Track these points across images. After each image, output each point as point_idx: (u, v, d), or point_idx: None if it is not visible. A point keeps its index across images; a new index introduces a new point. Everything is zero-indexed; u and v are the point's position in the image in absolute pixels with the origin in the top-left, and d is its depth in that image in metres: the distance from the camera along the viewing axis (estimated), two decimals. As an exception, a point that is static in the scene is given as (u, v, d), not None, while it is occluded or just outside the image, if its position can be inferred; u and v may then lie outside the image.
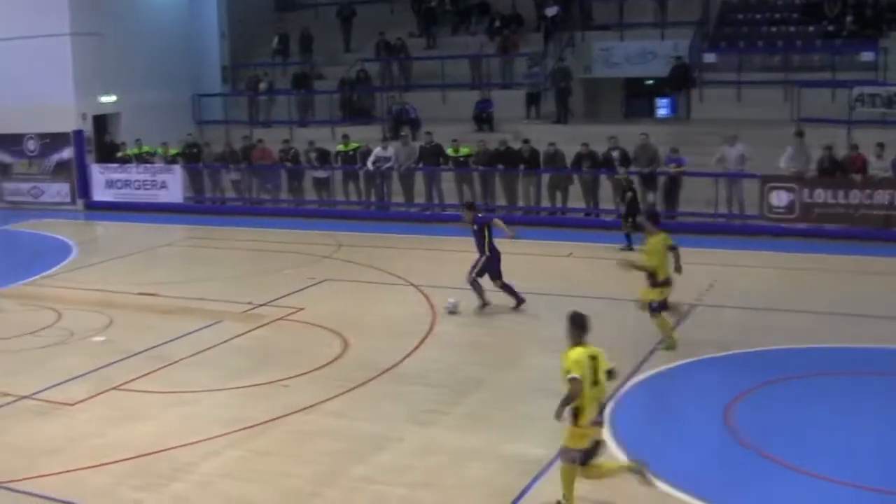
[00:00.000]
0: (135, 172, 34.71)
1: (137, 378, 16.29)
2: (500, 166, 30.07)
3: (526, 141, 30.17)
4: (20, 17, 35.24)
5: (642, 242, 18.09)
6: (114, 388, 15.83)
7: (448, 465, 12.55)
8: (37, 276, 24.87)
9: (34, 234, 31.24)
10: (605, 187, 29.14)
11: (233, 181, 34.20)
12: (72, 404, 15.17)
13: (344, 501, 11.75)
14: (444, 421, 14.09)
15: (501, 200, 30.20)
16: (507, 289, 19.91)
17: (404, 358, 17.02)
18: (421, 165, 31.50)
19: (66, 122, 35.32)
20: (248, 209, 33.53)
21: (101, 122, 36.53)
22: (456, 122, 33.46)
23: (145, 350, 17.88)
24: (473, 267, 19.91)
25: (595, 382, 10.87)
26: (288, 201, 33.36)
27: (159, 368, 16.83)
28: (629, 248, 24.50)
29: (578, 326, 11.07)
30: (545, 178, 30.01)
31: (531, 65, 34.98)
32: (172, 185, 34.06)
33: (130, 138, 35.86)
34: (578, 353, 10.87)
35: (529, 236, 26.14)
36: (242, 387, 15.77)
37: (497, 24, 37.78)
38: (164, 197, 34.07)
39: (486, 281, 20.03)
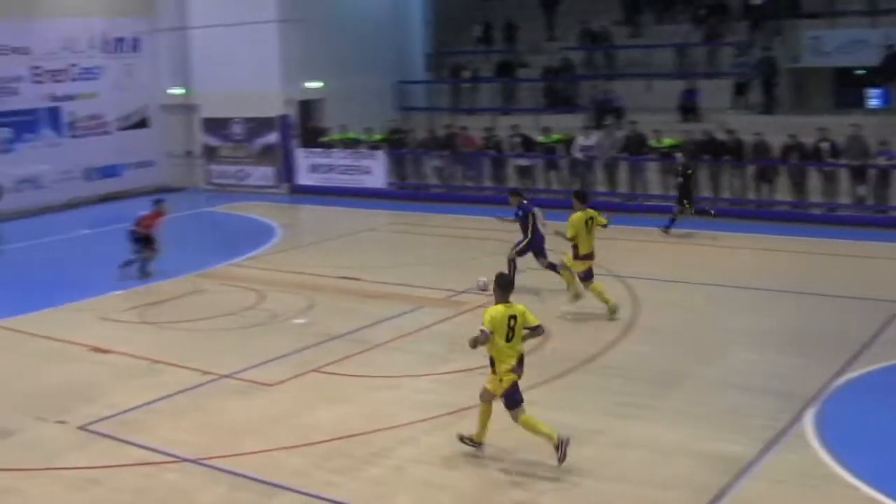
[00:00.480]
0: (339, 157, 35.11)
1: (337, 361, 16.43)
2: (705, 157, 29.45)
3: (731, 131, 29.48)
4: (230, 4, 36.23)
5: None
6: (313, 371, 15.98)
7: (647, 460, 12.26)
8: (241, 258, 25.39)
9: (239, 217, 31.90)
10: (813, 179, 28.29)
11: (435, 168, 34.30)
12: (272, 385, 15.37)
13: (540, 492, 11.57)
14: (644, 415, 13.78)
15: (706, 191, 29.52)
16: (552, 267, 20.29)
17: (606, 349, 16.75)
18: (624, 155, 31.07)
19: (272, 107, 35.99)
20: (450, 196, 33.50)
21: (306, 107, 37.09)
22: (661, 112, 32.85)
23: (346, 333, 18.03)
24: (515, 246, 20.74)
25: (510, 337, 12.25)
26: (490, 188, 33.27)
27: (359, 352, 16.93)
28: (667, 230, 26.14)
29: (502, 287, 12.46)
30: (751, 169, 29.26)
31: (738, 54, 34.20)
32: (376, 171, 34.33)
33: (334, 123, 36.36)
34: (497, 310, 12.26)
35: (735, 229, 25.62)
36: (442, 373, 15.75)
37: (702, 12, 37.01)
38: (367, 182, 34.38)
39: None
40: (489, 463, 12.28)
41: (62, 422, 14.24)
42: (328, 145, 35.91)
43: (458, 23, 42.66)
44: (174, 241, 28.03)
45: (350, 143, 35.67)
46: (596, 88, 35.87)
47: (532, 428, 12.18)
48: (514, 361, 12.31)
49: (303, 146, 36.35)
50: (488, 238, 26.27)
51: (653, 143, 30.54)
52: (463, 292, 20.62)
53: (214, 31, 36.63)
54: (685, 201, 26.35)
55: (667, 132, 30.75)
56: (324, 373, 15.93)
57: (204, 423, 14.01)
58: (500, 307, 12.28)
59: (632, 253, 23.88)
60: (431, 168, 34.50)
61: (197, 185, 38.18)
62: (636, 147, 30.84)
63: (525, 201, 20.83)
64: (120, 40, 37.83)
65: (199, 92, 37.82)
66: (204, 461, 12.62)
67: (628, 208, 29.95)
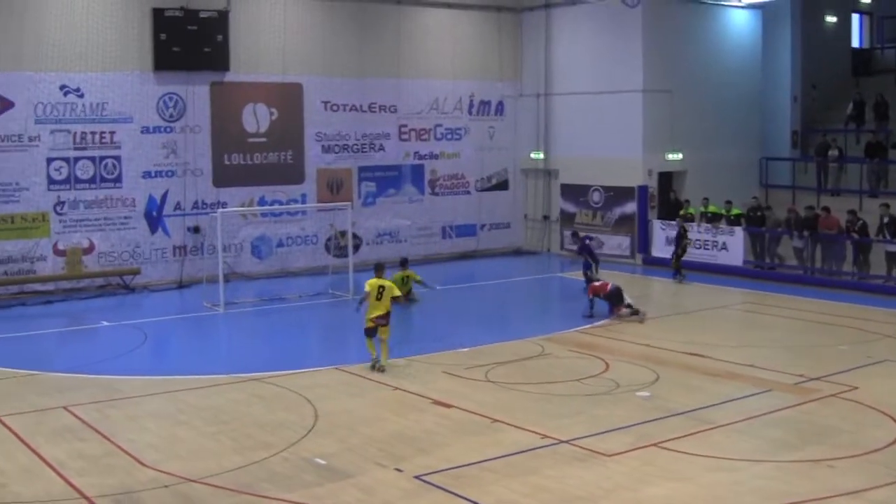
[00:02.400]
0: (696, 231, 34.50)
1: (678, 438, 16.01)
2: None
3: None
4: (597, 72, 36.69)
5: None
6: (652, 445, 15.62)
7: None
8: (589, 325, 25.29)
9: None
10: None
11: (795, 248, 33.18)
12: (609, 455, 15.11)
13: None
14: None
15: None
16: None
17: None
18: None
19: (632, 177, 35.92)
20: (808, 279, 32.27)
21: (666, 178, 36.80)
22: None
23: (688, 411, 17.59)
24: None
25: (379, 298, 20.52)
26: (852, 274, 31.86)
27: (701, 431, 16.46)
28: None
29: (376, 270, 21.12)
30: None
31: None
32: (733, 247, 33.55)
33: (694, 196, 35.84)
34: (372, 281, 20.71)
35: None
36: (786, 461, 15.05)
37: None
38: (722, 258, 33.65)
39: None
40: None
41: (399, 470, 14.51)
42: (686, 218, 35.33)
43: (829, 100, 41.54)
44: (524, 303, 28.45)
45: (710, 218, 35.00)
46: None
47: (369, 347, 20.74)
48: (379, 313, 20.49)
49: (660, 218, 36.00)
50: (845, 325, 25.27)
51: None
52: (813, 379, 19.75)
53: (578, 98, 37.16)
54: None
55: None
56: (663, 448, 15.54)
57: (536, 486, 13.87)
58: (375, 280, 20.69)
59: None
60: (791, 248, 33.38)
61: (550, 250, 38.49)
62: None
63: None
64: (485, 103, 38.81)
65: (559, 157, 38.30)
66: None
67: None
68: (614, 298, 26.23)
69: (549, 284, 32.80)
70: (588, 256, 31.44)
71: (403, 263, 28.79)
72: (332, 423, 17.00)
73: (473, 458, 15.01)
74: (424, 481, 14.02)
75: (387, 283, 20.78)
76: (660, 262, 34.85)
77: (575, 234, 32.33)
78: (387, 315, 20.53)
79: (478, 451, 15.32)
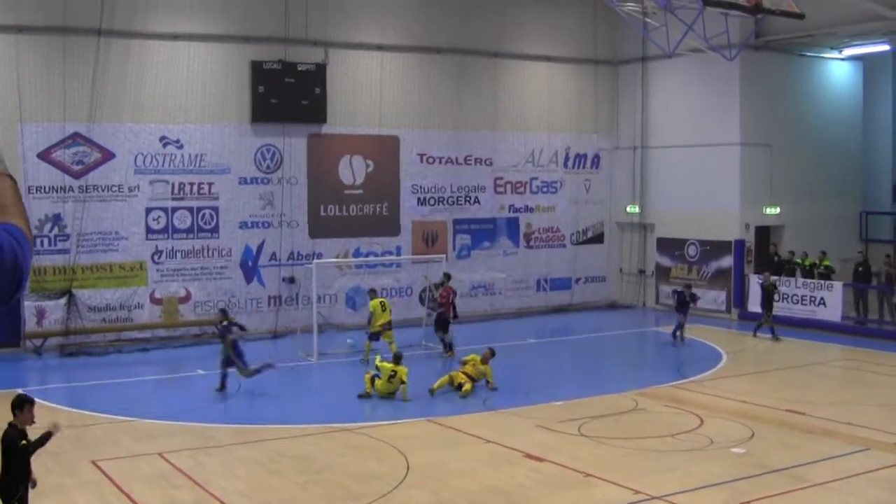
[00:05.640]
0: (794, 286, 34.00)
1: (772, 496, 15.74)
2: None
3: None
4: (693, 125, 36.41)
5: None
6: (747, 503, 15.35)
7: None
8: (684, 380, 25.02)
9: (686, 339, 31.48)
10: None
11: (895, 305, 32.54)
12: (702, 513, 14.89)
13: None
14: None
15: None
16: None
17: None
18: None
19: (728, 231, 35.54)
20: (910, 336, 31.66)
21: (763, 232, 36.37)
22: None
23: (784, 468, 17.28)
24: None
25: (383, 310, 26.84)
26: (954, 331, 31.20)
27: (796, 489, 16.16)
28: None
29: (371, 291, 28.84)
30: None
31: None
32: (831, 303, 32.99)
33: (791, 250, 35.33)
34: (374, 301, 27.32)
35: None
36: (884, 522, 14.71)
37: None
38: (820, 314, 33.09)
39: None
40: None
41: (489, 524, 14.39)
42: (786, 272, 34.78)
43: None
44: (618, 357, 28.21)
45: (807, 272, 34.45)
46: None
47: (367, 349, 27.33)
48: (384, 321, 27.03)
49: (757, 272, 35.53)
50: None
51: None
52: (916, 438, 19.32)
53: (675, 151, 36.96)
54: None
55: None
56: (758, 507, 15.29)
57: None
58: (376, 301, 27.37)
59: None
60: (893, 304, 32.73)
61: (646, 305, 38.17)
62: None
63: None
64: (581, 156, 38.76)
65: (655, 211, 38.08)
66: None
67: None
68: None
69: (643, 339, 32.54)
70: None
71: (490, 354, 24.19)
72: (423, 475, 16.94)
73: (565, 512, 14.87)
74: (514, 535, 13.92)
75: (387, 303, 27.89)
76: (756, 318, 34.36)
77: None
78: (389, 322, 27.21)
79: (569, 506, 15.17)
